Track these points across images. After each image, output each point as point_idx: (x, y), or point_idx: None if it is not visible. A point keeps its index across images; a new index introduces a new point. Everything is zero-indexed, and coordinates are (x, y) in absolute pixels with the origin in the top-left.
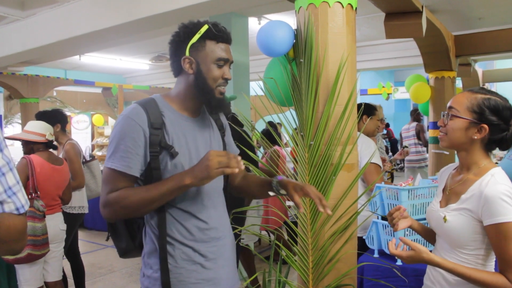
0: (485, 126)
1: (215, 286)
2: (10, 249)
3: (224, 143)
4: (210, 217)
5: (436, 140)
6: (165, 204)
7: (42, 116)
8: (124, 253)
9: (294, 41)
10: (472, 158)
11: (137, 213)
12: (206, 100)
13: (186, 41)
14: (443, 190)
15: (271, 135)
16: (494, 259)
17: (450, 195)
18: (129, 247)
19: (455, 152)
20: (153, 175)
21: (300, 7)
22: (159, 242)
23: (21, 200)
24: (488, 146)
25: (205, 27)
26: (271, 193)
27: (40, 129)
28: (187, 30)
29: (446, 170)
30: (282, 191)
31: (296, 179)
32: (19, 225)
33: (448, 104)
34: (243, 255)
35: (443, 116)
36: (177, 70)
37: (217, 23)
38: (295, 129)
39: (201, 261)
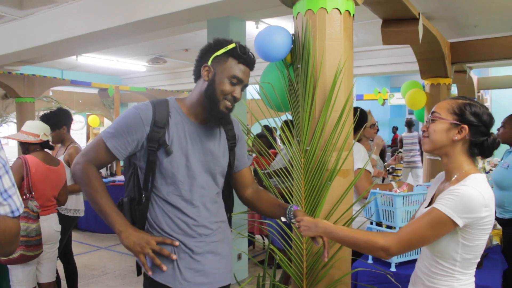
0: (465, 126)
1: (203, 278)
2: (2, 251)
3: (233, 154)
4: (200, 216)
5: None
6: (155, 196)
7: (48, 118)
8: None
9: (292, 46)
10: (455, 162)
11: (86, 197)
12: (209, 108)
13: (212, 52)
14: (432, 198)
15: (266, 138)
16: (474, 268)
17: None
18: None
19: None
20: (151, 168)
21: (298, 12)
22: (145, 230)
23: (16, 203)
24: (470, 150)
25: (232, 45)
26: (283, 219)
27: (34, 129)
28: (217, 43)
29: (439, 177)
30: (294, 221)
31: (292, 183)
32: (14, 228)
33: (432, 110)
34: None
35: (426, 122)
36: (197, 75)
37: (245, 47)
38: (291, 133)
39: (188, 252)
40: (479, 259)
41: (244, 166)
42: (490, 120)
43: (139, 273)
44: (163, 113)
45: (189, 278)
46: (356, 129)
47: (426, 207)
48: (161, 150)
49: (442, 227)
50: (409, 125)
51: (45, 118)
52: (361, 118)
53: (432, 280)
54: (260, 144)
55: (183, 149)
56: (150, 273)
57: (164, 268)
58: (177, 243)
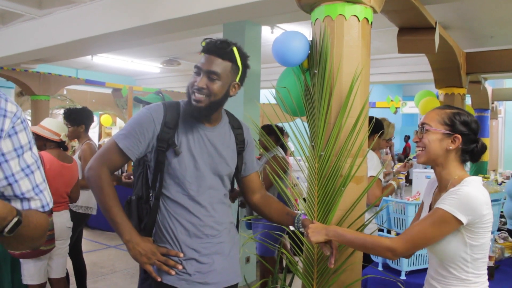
0: (458, 136)
1: (211, 278)
2: (33, 245)
3: (241, 158)
4: (207, 216)
5: None
6: (164, 197)
7: (71, 113)
8: None
9: (309, 52)
10: (448, 169)
11: (97, 202)
12: (186, 106)
13: None
14: (430, 206)
15: (277, 137)
16: (486, 270)
17: None
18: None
19: None
20: (159, 168)
21: (317, 19)
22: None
23: (47, 198)
24: (462, 157)
25: (203, 43)
26: (291, 227)
27: (57, 128)
28: None
29: (432, 183)
30: (302, 230)
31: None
32: (44, 223)
33: (420, 121)
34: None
35: (416, 133)
36: None
37: (210, 39)
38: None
39: (195, 256)
40: (487, 260)
41: (252, 171)
42: (478, 127)
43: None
44: (173, 115)
45: (196, 278)
46: (371, 137)
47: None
48: (170, 151)
49: (446, 226)
50: None
51: (68, 112)
52: (377, 127)
53: (446, 286)
54: (267, 139)
55: (192, 150)
56: (159, 279)
57: (173, 272)
58: (181, 254)
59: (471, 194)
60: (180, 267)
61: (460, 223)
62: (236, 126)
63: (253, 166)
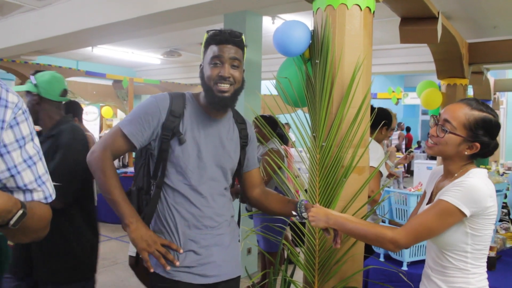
0: (478, 145)
1: (210, 270)
2: (36, 236)
3: (244, 153)
4: (207, 207)
5: None
6: (165, 186)
7: None
8: None
9: (311, 41)
10: (457, 165)
11: (99, 186)
12: (208, 99)
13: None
14: (431, 193)
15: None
16: (485, 262)
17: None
18: None
19: None
20: (162, 156)
21: (318, 8)
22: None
23: (49, 189)
24: (473, 157)
25: (205, 35)
26: (294, 213)
27: None
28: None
29: (436, 173)
30: (305, 214)
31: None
32: (47, 214)
33: (444, 116)
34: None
35: (436, 125)
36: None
37: (219, 29)
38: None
39: (193, 247)
40: (488, 251)
41: (254, 167)
42: (498, 131)
43: (136, 264)
44: (179, 104)
45: (194, 270)
46: (381, 129)
47: (427, 204)
48: (174, 139)
49: (449, 218)
50: None
51: None
52: (385, 118)
53: (446, 278)
54: (266, 127)
55: (196, 140)
56: (152, 270)
57: (168, 267)
58: (181, 250)
59: (475, 186)
60: (177, 263)
61: (464, 215)
62: (240, 120)
63: (255, 162)
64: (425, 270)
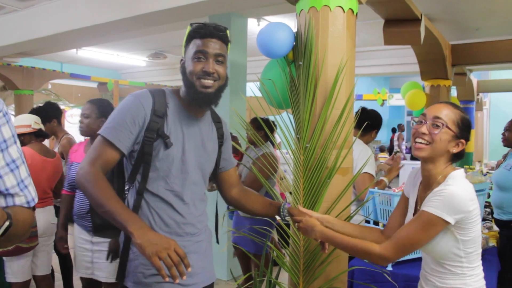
0: (463, 141)
1: (189, 278)
2: (18, 240)
3: (220, 153)
4: (189, 213)
5: None
6: (145, 191)
7: (38, 113)
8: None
9: (294, 43)
10: (439, 168)
11: (90, 201)
12: (190, 95)
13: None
14: (416, 203)
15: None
16: (480, 260)
17: None
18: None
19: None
20: (144, 160)
21: (302, 10)
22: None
23: (32, 193)
24: (452, 159)
25: (188, 28)
26: (277, 217)
27: (23, 121)
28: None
29: (414, 176)
30: (288, 218)
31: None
32: (29, 219)
33: (433, 114)
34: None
35: (426, 123)
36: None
37: (202, 23)
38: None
39: None
40: (481, 250)
41: (231, 166)
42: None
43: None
44: (161, 103)
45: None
46: (368, 131)
47: (413, 215)
48: (159, 141)
49: (433, 228)
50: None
51: (35, 112)
52: (376, 120)
53: (443, 280)
54: (254, 133)
55: (180, 142)
56: (166, 279)
57: (177, 280)
58: (190, 269)
59: (455, 194)
60: (184, 277)
61: (448, 223)
62: (217, 119)
63: (232, 161)
64: (422, 272)
